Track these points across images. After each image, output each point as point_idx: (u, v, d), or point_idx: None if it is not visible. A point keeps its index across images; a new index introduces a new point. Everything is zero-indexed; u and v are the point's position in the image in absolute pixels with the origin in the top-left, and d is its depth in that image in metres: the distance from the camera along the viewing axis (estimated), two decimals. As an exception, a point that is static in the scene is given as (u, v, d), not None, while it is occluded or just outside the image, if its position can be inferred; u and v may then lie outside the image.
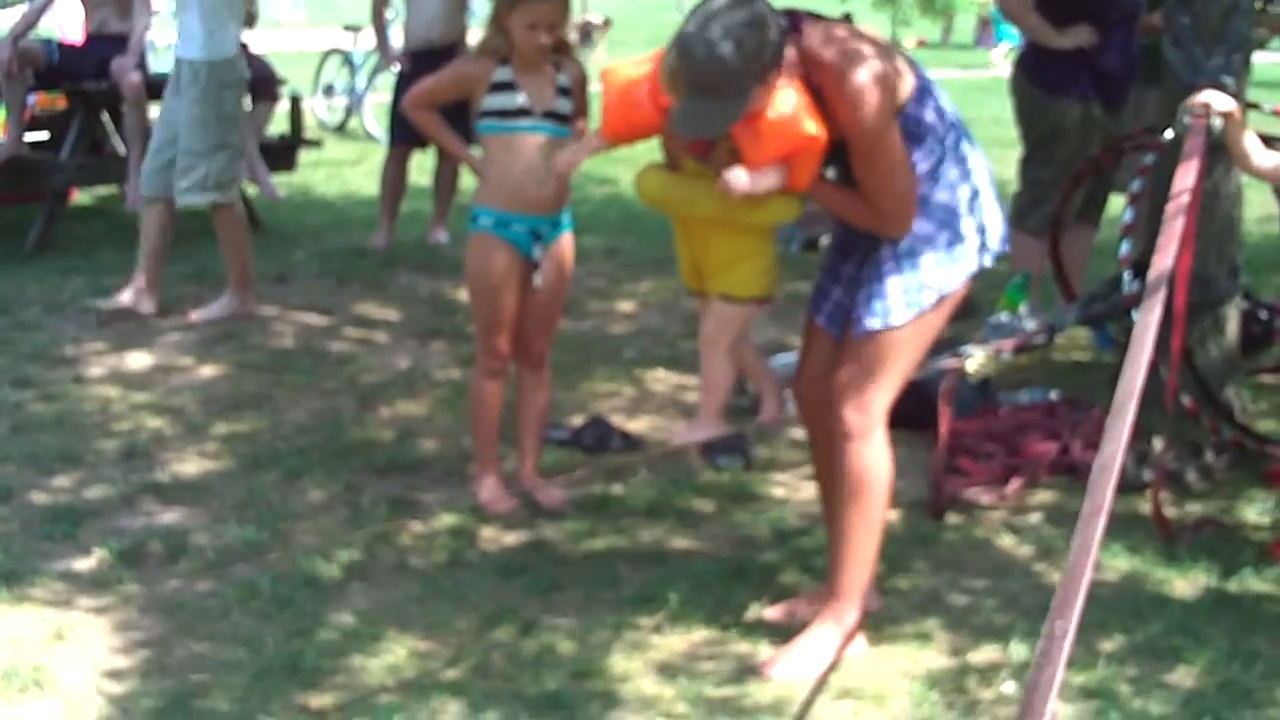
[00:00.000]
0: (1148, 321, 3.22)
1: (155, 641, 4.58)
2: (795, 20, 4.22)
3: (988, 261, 4.46)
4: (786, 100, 4.11)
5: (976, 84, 19.64)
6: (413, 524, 5.30)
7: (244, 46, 10.64)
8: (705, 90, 4.04)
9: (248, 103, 10.41)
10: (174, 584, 4.89)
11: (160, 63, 11.95)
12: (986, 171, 4.48)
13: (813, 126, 4.13)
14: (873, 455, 4.42)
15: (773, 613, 4.70)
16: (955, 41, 41.92)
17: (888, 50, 4.27)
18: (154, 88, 10.16)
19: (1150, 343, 3.09)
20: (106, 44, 10.08)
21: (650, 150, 4.56)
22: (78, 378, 7.18)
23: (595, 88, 4.60)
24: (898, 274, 4.34)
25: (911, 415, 6.22)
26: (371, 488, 5.60)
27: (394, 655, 4.48)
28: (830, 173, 4.39)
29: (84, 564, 5.11)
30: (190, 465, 6.03)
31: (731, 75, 4.00)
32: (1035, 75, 7.68)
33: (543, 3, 5.33)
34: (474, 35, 10.71)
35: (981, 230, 4.42)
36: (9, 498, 5.65)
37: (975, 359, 5.25)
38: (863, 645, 4.48)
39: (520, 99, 5.38)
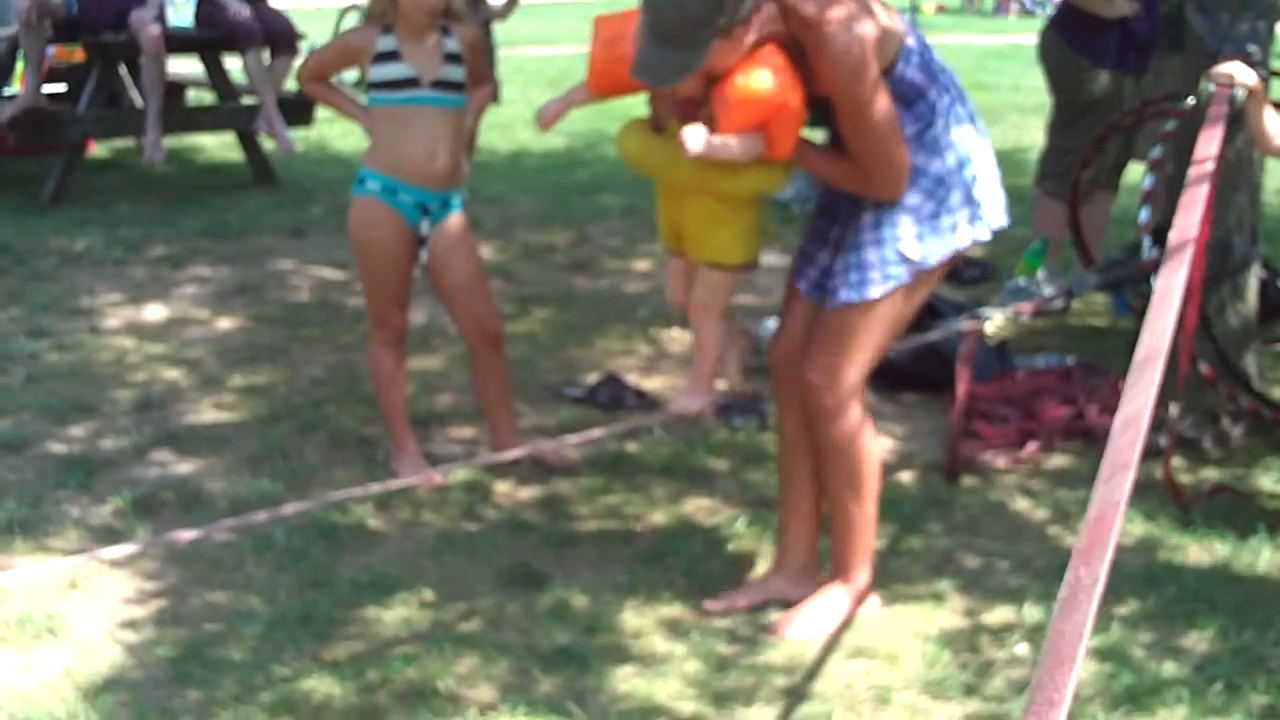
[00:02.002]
0: (1172, 283, 3.20)
1: (169, 591, 4.59)
2: None
3: (983, 235, 4.29)
4: (757, 65, 3.93)
5: (996, 50, 19.57)
6: (429, 477, 5.29)
7: (264, 1, 10.69)
8: (664, 37, 3.85)
9: (266, 56, 10.43)
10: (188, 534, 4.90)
11: (179, 16, 11.90)
12: (983, 140, 4.28)
13: (784, 93, 3.94)
14: (850, 428, 4.30)
15: (713, 605, 4.55)
16: (976, 7, 41.74)
17: (874, 6, 4.04)
18: (173, 41, 10.17)
19: (1176, 303, 3.07)
20: (125, -4, 10.07)
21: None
22: (93, 328, 7.19)
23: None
24: (877, 246, 4.17)
25: (928, 377, 6.26)
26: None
27: (407, 608, 4.49)
28: (820, 135, 4.28)
29: (98, 514, 5.13)
30: (205, 416, 6.04)
31: (690, 24, 3.81)
32: (1073, 42, 7.63)
33: None
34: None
35: (972, 202, 4.22)
36: (24, 447, 5.66)
37: (994, 321, 5.26)
38: (876, 605, 4.48)
39: (406, 69, 5.20)
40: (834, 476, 4.39)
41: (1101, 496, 2.16)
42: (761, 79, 3.92)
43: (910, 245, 4.15)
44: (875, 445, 4.41)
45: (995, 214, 4.29)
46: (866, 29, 3.94)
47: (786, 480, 4.59)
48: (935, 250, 4.19)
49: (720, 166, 4.08)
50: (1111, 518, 2.08)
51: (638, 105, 4.36)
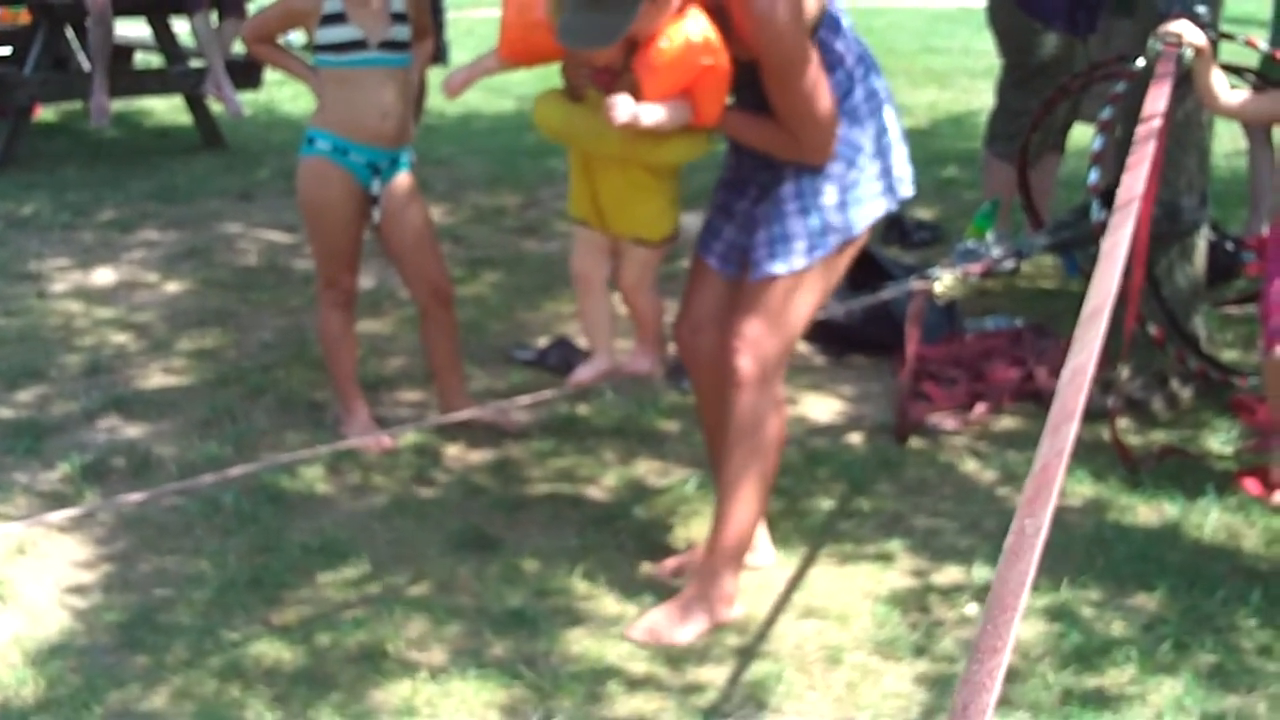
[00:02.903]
0: (1118, 237, 3.20)
1: (118, 556, 4.58)
2: None
3: (893, 205, 4.24)
4: (681, 28, 3.82)
5: (945, 14, 19.54)
6: (379, 440, 5.28)
7: (211, -38, 10.61)
8: (591, 1, 3.76)
9: (214, 19, 10.37)
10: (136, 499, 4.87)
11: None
12: (894, 110, 4.23)
13: (709, 56, 3.85)
14: (765, 406, 4.17)
15: (661, 568, 4.53)
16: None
17: None
18: (120, 3, 10.09)
19: (1122, 257, 3.08)
20: (71, -43, 10.00)
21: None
22: (41, 293, 7.14)
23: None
24: (801, 215, 4.09)
25: (877, 339, 6.27)
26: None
27: (357, 571, 4.48)
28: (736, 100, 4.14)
29: (47, 479, 5.11)
30: (154, 381, 6.01)
31: None
32: (1023, 4, 7.61)
33: None
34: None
35: (887, 172, 4.18)
36: (-29, 411, 5.63)
37: (943, 281, 5.27)
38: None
39: (353, 31, 5.15)
40: (734, 453, 4.20)
41: (1047, 447, 2.17)
42: (688, 42, 3.83)
43: (834, 214, 4.09)
44: (782, 431, 4.30)
45: (905, 185, 4.26)
46: None
47: (716, 460, 4.50)
48: (859, 217, 4.13)
49: (646, 136, 3.97)
50: (1055, 467, 2.09)
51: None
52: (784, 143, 4.05)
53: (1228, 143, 9.84)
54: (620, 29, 3.77)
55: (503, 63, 4.21)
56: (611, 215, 4.25)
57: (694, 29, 3.84)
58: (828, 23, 4.01)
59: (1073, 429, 2.21)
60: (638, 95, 3.89)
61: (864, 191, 4.12)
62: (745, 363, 4.13)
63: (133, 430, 5.52)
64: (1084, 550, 4.60)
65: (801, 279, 4.12)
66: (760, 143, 4.13)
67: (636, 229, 4.25)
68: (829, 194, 4.09)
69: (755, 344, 4.12)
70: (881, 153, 4.15)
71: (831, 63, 4.02)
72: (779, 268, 4.10)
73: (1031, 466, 2.18)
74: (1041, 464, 2.12)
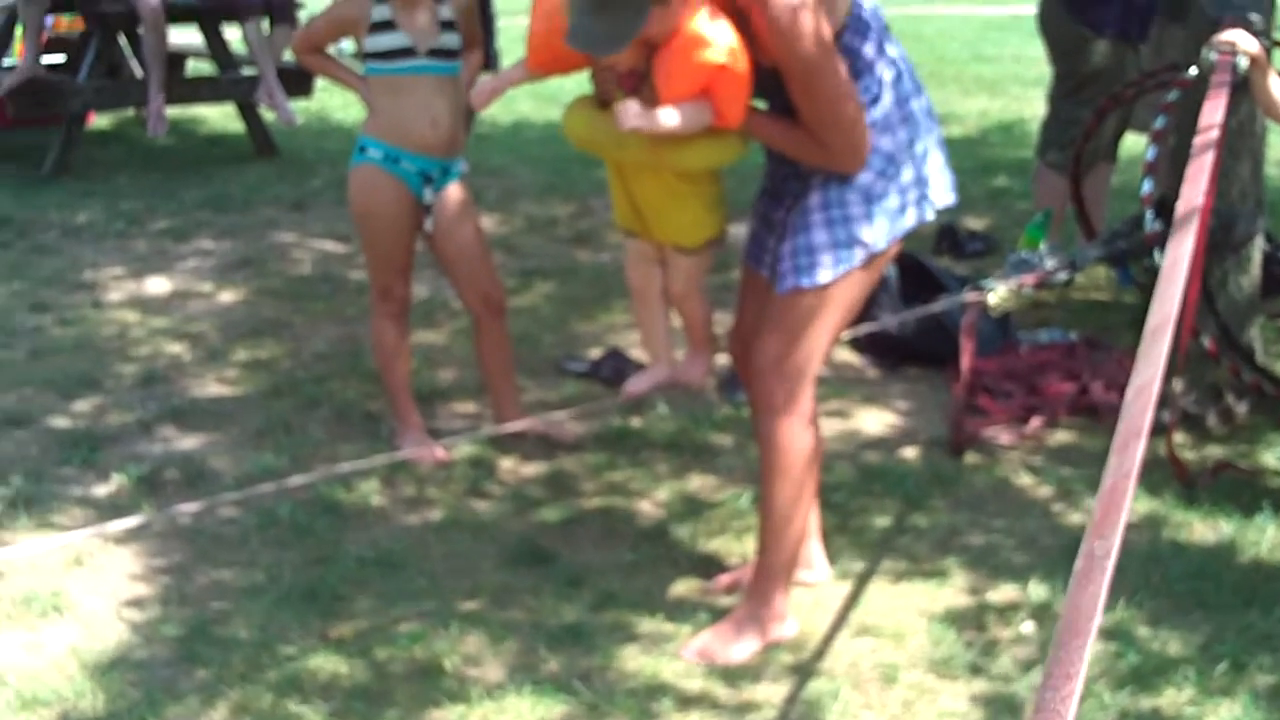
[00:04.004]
0: (1180, 252, 3.18)
1: (175, 568, 4.60)
2: None
3: (929, 215, 4.12)
4: (697, 30, 3.75)
5: (995, 21, 19.48)
6: (433, 451, 5.29)
7: (263, -30, 10.66)
8: (599, 5, 3.69)
9: (265, 26, 10.41)
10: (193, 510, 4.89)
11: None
12: (931, 117, 4.16)
13: (724, 56, 3.75)
14: (796, 429, 4.10)
15: (714, 584, 4.52)
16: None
17: None
18: (172, 10, 10.14)
19: (1184, 271, 3.06)
20: (125, -35, 10.05)
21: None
22: (96, 302, 7.18)
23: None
24: (827, 227, 3.98)
25: (932, 351, 6.25)
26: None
27: (413, 584, 4.49)
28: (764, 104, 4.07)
29: (102, 489, 5.13)
30: (209, 391, 6.04)
31: None
32: (1075, 11, 7.58)
33: None
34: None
35: (921, 181, 4.07)
36: (28, 422, 5.66)
37: (997, 293, 5.25)
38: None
39: (402, 38, 5.16)
40: (771, 478, 4.15)
41: (1114, 467, 2.16)
42: (702, 43, 3.75)
43: (862, 227, 3.99)
44: (816, 443, 4.22)
45: (942, 192, 4.17)
46: None
47: None
48: (886, 232, 4.02)
49: (669, 141, 3.91)
50: (1123, 488, 2.08)
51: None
52: (812, 148, 3.96)
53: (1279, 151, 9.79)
54: (628, 33, 3.72)
55: (530, 73, 4.19)
56: (650, 222, 4.23)
57: (706, 28, 3.76)
58: (855, 26, 3.92)
59: (1140, 448, 2.20)
60: (657, 98, 3.85)
61: (894, 203, 4.02)
62: (774, 384, 4.07)
63: (188, 441, 5.54)
64: (1140, 568, 4.57)
65: (827, 293, 4.02)
66: (788, 147, 4.03)
67: (675, 235, 4.22)
68: (857, 206, 3.99)
69: (779, 361, 4.06)
70: (914, 161, 4.05)
71: (859, 68, 3.92)
72: (802, 280, 4.02)
73: (1092, 487, 2.17)
74: (1110, 484, 2.10)
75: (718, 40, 3.76)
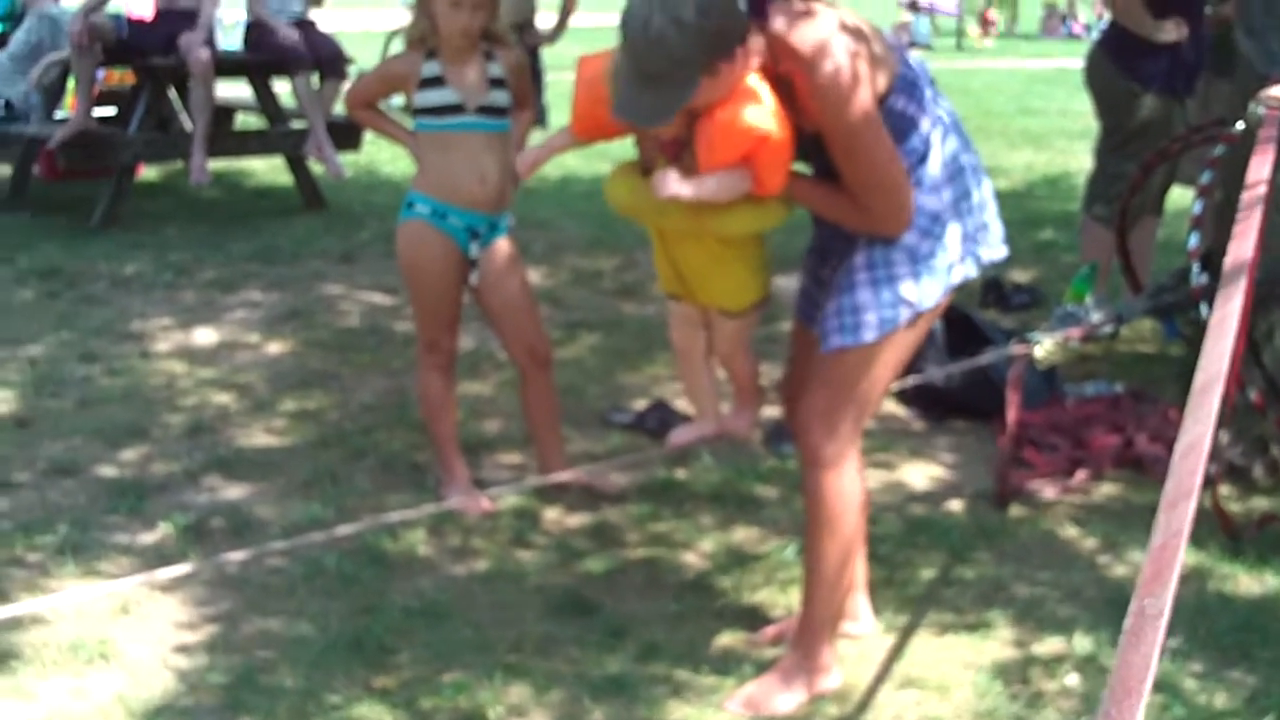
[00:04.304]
0: (1229, 308, 3.18)
1: (221, 617, 4.61)
2: (763, 2, 3.76)
3: (973, 271, 4.08)
4: (738, 99, 3.73)
5: (1041, 75, 19.54)
6: (480, 502, 5.30)
7: (312, 24, 10.76)
8: (647, 78, 3.67)
9: (315, 80, 10.49)
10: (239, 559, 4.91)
11: (228, 39, 11.98)
12: (979, 172, 4.11)
13: (766, 124, 3.73)
14: (843, 483, 4.08)
15: (760, 636, 4.50)
16: (1020, 31, 41.64)
17: (865, 34, 3.82)
18: (222, 64, 10.24)
19: (1232, 330, 3.06)
20: (175, 20, 10.16)
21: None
22: (144, 353, 7.23)
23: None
24: (871, 286, 3.94)
25: (976, 403, 6.25)
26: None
27: (458, 635, 4.49)
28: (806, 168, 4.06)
29: (149, 538, 5.15)
30: (256, 441, 6.07)
31: (675, 63, 3.63)
32: (1122, 66, 7.59)
33: None
34: (542, 18, 10.77)
35: (969, 238, 4.03)
36: (76, 471, 5.70)
37: (1044, 347, 5.24)
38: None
39: (451, 95, 5.19)
40: (816, 533, 4.13)
41: (1164, 525, 2.15)
42: (741, 113, 3.74)
43: (907, 286, 3.95)
44: (862, 496, 4.22)
45: (993, 247, 4.15)
46: (855, 56, 3.76)
47: None
48: (932, 291, 3.98)
49: (711, 207, 3.89)
50: (1175, 547, 2.08)
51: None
52: (855, 213, 3.94)
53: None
54: (675, 106, 3.72)
55: (575, 140, 4.19)
56: (694, 286, 4.22)
57: (749, 98, 3.76)
58: (900, 87, 3.89)
59: (1191, 506, 2.20)
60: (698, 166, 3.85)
61: (940, 261, 3.97)
62: (819, 442, 4.06)
63: (234, 491, 5.57)
64: (1186, 620, 4.55)
65: (872, 352, 3.99)
66: (831, 213, 4.03)
67: (719, 299, 4.21)
68: (902, 265, 3.95)
69: (825, 418, 4.04)
70: (961, 218, 4.02)
71: (904, 129, 3.89)
72: (847, 340, 3.98)
73: (1136, 540, 2.17)
74: (1160, 542, 2.10)
75: (758, 109, 3.75)
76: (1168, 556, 2.06)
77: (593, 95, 3.94)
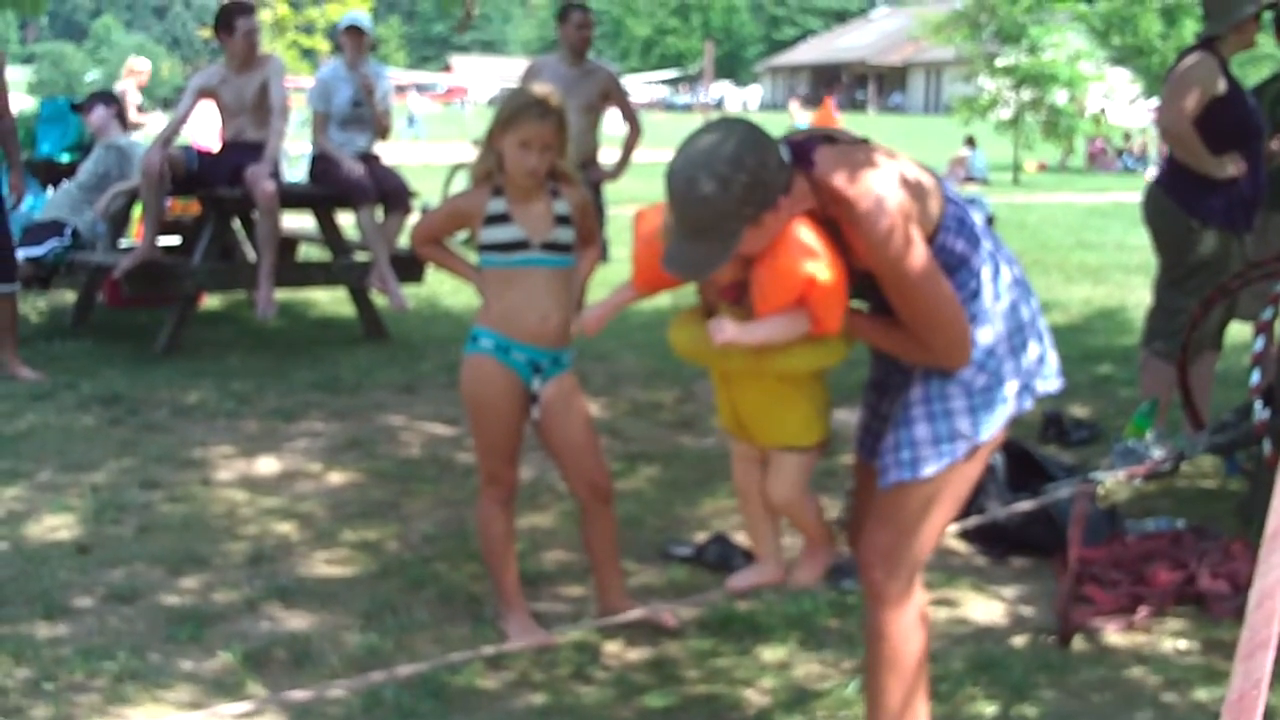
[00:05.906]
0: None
1: (281, 747, 4.61)
2: (808, 148, 3.87)
3: (1029, 404, 4.10)
4: (789, 244, 3.80)
5: (1098, 209, 19.57)
6: (542, 640, 5.29)
7: (376, 158, 10.88)
8: (691, 231, 3.74)
9: (380, 214, 10.59)
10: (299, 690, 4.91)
11: (293, 172, 12.14)
12: (1031, 303, 4.13)
13: (816, 269, 3.79)
14: (906, 621, 4.08)
15: None
16: (1071, 165, 41.76)
17: (911, 174, 3.89)
18: (287, 196, 10.35)
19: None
20: (241, 152, 10.30)
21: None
22: (205, 480, 7.27)
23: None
24: (928, 421, 3.98)
25: (1038, 540, 6.22)
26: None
27: (517, 769, 4.48)
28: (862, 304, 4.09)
29: (209, 667, 5.15)
30: (316, 571, 6.08)
31: (719, 216, 3.70)
32: (1181, 202, 7.60)
33: (535, 121, 5.14)
34: (605, 153, 10.85)
35: (1024, 371, 4.05)
36: (136, 598, 5.71)
37: (1106, 485, 5.23)
38: None
39: (516, 231, 5.23)
40: (881, 672, 4.11)
41: (1242, 676, 2.14)
42: (794, 258, 3.80)
43: (963, 420, 3.98)
44: (925, 638, 4.18)
45: (1048, 379, 4.16)
46: (902, 199, 3.81)
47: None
48: (988, 424, 4.00)
49: (771, 347, 3.94)
50: (1253, 698, 2.07)
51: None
52: (915, 348, 3.97)
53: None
54: (722, 258, 3.77)
55: (638, 293, 4.29)
56: (754, 427, 4.24)
57: (800, 243, 3.81)
58: (948, 224, 3.94)
59: (1269, 658, 2.19)
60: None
61: (995, 395, 4.00)
62: (881, 580, 4.05)
63: (295, 620, 5.57)
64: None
65: (931, 487, 4.00)
66: (892, 348, 4.07)
67: (782, 438, 4.22)
68: (958, 400, 3.98)
69: (887, 555, 4.04)
70: (1014, 352, 4.03)
71: (953, 265, 3.93)
72: (904, 475, 3.99)
73: (1204, 679, 2.16)
74: (1237, 694, 2.09)
75: (810, 254, 3.80)
76: (1247, 706, 2.05)
77: (650, 250, 4.03)
